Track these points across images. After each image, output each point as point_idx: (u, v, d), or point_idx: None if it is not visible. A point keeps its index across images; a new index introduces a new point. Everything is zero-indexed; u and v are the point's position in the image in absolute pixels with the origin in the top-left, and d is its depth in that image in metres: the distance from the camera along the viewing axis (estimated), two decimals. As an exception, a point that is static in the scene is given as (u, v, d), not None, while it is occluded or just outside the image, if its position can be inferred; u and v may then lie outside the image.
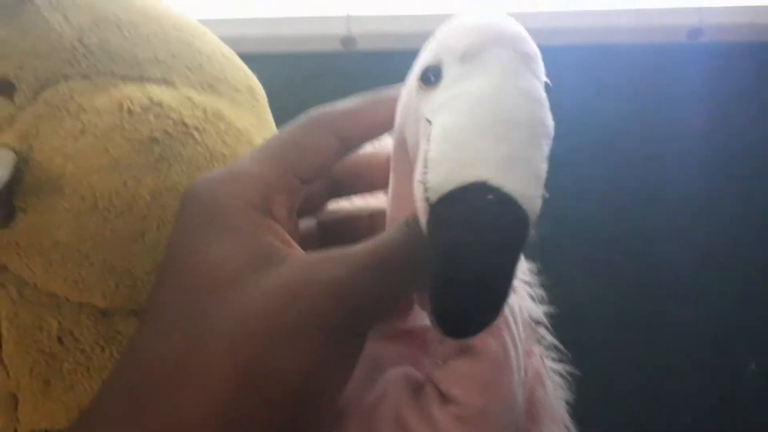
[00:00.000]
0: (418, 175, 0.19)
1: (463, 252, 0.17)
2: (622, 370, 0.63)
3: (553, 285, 0.29)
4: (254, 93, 0.31)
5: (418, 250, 0.21)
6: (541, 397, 0.27)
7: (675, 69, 0.64)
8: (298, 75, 0.60)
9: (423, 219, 0.19)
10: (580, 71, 0.62)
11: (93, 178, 0.24)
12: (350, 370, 0.23)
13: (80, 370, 0.25)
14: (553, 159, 0.19)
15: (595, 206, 0.62)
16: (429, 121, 0.20)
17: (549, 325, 0.28)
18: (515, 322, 0.25)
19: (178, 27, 0.29)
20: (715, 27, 0.62)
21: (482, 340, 0.23)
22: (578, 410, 0.29)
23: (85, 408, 0.22)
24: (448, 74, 0.20)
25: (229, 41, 0.32)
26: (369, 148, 0.28)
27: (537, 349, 0.28)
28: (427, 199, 0.18)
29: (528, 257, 0.28)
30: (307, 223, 0.28)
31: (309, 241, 0.27)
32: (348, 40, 0.60)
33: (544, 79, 0.21)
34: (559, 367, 0.29)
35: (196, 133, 0.26)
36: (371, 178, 0.28)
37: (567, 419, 0.28)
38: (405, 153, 0.23)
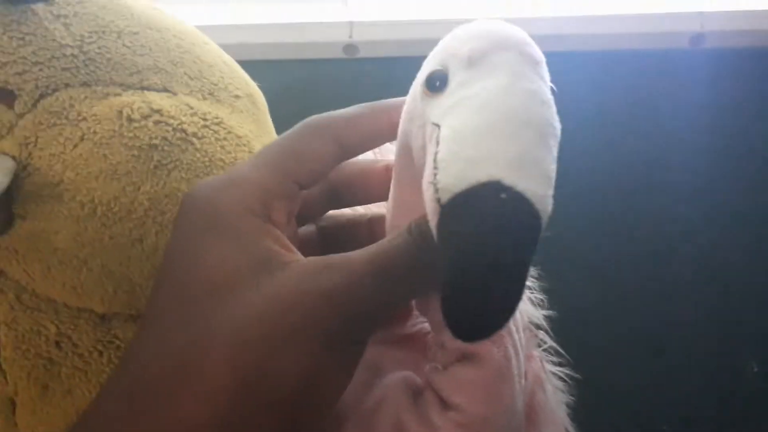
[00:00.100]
0: (427, 177, 0.19)
1: (476, 251, 0.17)
2: (622, 373, 0.63)
3: (552, 288, 0.29)
4: (254, 100, 0.32)
5: (420, 258, 0.21)
6: (542, 401, 0.27)
7: (677, 75, 0.64)
8: (301, 82, 0.60)
9: (433, 220, 0.18)
10: (582, 77, 0.62)
11: (92, 185, 0.25)
12: (349, 377, 0.23)
13: (78, 375, 0.25)
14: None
15: (595, 210, 0.62)
16: (436, 125, 0.20)
17: (549, 329, 0.28)
18: (517, 328, 0.25)
19: (178, 35, 0.29)
20: (717, 33, 0.62)
21: (484, 347, 0.23)
22: (578, 413, 0.29)
23: (83, 412, 0.22)
24: (454, 79, 0.20)
25: (231, 48, 0.32)
26: (369, 156, 0.28)
27: (537, 353, 0.28)
28: (438, 200, 0.18)
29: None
30: (307, 229, 0.28)
31: (309, 247, 0.27)
32: (350, 47, 0.60)
33: (550, 84, 0.21)
34: (559, 370, 0.28)
35: (195, 140, 0.27)
36: (366, 188, 0.28)
37: (567, 422, 0.28)
38: (409, 160, 0.23)
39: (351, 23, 0.60)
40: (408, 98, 0.23)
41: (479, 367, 0.23)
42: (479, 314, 0.17)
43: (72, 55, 0.26)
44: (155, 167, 0.25)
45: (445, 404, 0.23)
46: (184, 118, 0.27)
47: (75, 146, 0.25)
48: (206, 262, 0.22)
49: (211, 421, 0.20)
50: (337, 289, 0.21)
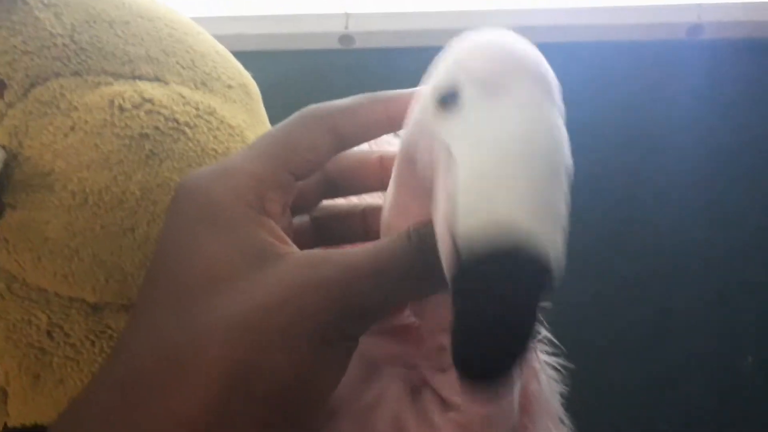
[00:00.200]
0: (442, 212, 0.19)
1: (491, 313, 0.17)
2: (616, 363, 0.63)
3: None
4: (248, 90, 0.31)
5: (417, 264, 0.21)
6: (536, 391, 0.27)
7: (675, 66, 0.63)
8: (296, 72, 0.60)
9: (448, 264, 0.18)
10: (579, 68, 0.62)
11: (83, 174, 0.24)
12: (342, 371, 0.22)
13: (70, 364, 0.25)
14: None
15: (592, 202, 0.62)
16: (449, 149, 0.19)
17: (543, 319, 0.28)
18: None
19: (170, 24, 0.29)
20: (714, 24, 0.62)
21: None
22: (573, 403, 0.29)
23: (74, 400, 0.22)
24: (469, 101, 0.20)
25: (227, 39, 0.32)
26: (365, 147, 0.28)
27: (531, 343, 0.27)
28: (456, 249, 0.18)
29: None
30: (300, 219, 0.28)
31: (303, 237, 0.27)
32: (346, 38, 0.60)
33: (561, 104, 0.20)
34: (553, 360, 0.28)
35: (187, 130, 0.26)
36: (361, 179, 0.28)
37: (561, 412, 0.28)
38: (411, 167, 0.22)
39: (347, 14, 0.59)
40: (416, 107, 0.23)
41: None
42: (488, 363, 0.18)
43: (63, 44, 0.26)
44: (147, 157, 0.25)
45: (445, 404, 0.23)
46: (176, 108, 0.27)
47: (66, 135, 0.25)
48: (199, 254, 0.22)
49: (205, 414, 0.20)
50: (335, 284, 0.21)
